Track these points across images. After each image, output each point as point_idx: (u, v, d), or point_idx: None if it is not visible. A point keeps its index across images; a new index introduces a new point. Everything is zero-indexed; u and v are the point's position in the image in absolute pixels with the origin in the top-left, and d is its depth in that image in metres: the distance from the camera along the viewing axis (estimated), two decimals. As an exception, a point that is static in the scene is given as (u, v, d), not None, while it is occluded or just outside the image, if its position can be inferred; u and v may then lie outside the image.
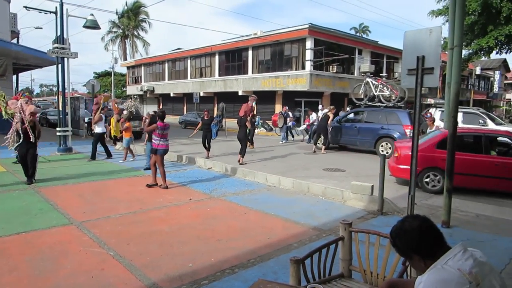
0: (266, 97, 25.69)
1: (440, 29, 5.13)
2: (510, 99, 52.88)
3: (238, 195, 7.47)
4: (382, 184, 6.29)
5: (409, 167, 5.25)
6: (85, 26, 13.34)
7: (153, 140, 8.09)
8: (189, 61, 32.50)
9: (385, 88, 14.30)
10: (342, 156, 12.93)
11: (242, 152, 10.63)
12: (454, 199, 5.91)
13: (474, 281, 1.51)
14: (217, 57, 29.64)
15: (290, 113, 18.63)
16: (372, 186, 6.66)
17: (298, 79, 23.27)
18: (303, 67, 23.28)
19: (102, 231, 5.23)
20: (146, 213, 6.19)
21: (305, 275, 2.85)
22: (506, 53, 17.87)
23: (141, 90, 37.47)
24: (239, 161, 10.52)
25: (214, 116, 17.93)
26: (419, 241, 1.69)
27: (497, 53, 18.84)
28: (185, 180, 8.83)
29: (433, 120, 11.23)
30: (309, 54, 22.89)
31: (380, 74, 20.01)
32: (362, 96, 14.98)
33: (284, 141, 17.32)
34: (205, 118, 12.28)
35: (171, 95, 34.70)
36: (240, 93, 26.91)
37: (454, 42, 4.84)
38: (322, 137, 13.73)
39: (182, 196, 7.27)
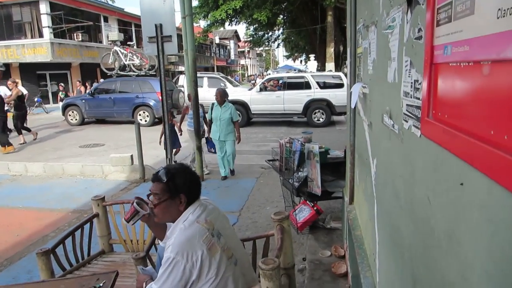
0: (-4, 71, 21.08)
1: (172, -2, 5.40)
2: (243, 65, 62.81)
3: (-32, 195, 6.03)
4: (140, 152, 6.37)
5: None
6: None
7: None
8: None
9: (134, 56, 14.23)
10: (100, 130, 12.28)
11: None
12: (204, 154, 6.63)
13: (210, 227, 1.77)
14: None
15: None
16: (132, 156, 6.67)
17: (36, 49, 20.04)
18: (41, 35, 20.19)
19: None
20: None
21: (59, 264, 2.63)
22: (235, 24, 20.77)
23: None
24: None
25: None
26: (194, 182, 1.87)
27: (229, 24, 21.63)
28: None
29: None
30: (46, 20, 19.95)
31: (128, 43, 19.68)
32: (113, 66, 14.43)
33: None
34: None
35: None
36: (-44, 68, 20.99)
37: (185, 11, 5.21)
38: None
39: None
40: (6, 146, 8.63)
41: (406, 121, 1.20)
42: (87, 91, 15.28)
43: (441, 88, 0.85)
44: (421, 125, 1.00)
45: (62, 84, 16.16)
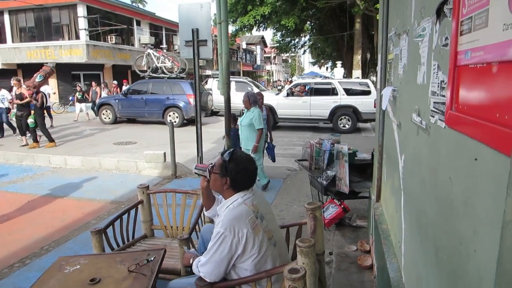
0: (36, 71, 22.13)
1: (209, 4, 5.71)
2: (269, 70, 63.21)
3: (16, 183, 6.51)
4: (173, 150, 6.70)
5: None
6: None
7: None
8: None
9: (166, 59, 14.73)
10: (132, 129, 12.79)
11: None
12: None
13: (255, 209, 2.00)
14: (-43, 21, 23.31)
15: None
16: (165, 153, 7.01)
17: (73, 50, 20.99)
18: (78, 37, 21.14)
19: None
20: None
21: (108, 243, 2.91)
22: (263, 30, 21.12)
23: None
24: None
25: None
26: (245, 175, 2.04)
27: (256, 30, 22.02)
28: None
29: None
30: (82, 23, 20.90)
31: (161, 46, 20.33)
32: (145, 68, 14.98)
33: None
34: None
35: None
36: (-1, 66, 22.25)
37: (221, 17, 5.50)
38: None
39: None
40: (48, 141, 9.19)
41: (433, 117, 1.40)
42: (102, 94, 16.49)
43: (462, 85, 1.06)
44: (445, 117, 1.20)
45: (80, 85, 16.66)
